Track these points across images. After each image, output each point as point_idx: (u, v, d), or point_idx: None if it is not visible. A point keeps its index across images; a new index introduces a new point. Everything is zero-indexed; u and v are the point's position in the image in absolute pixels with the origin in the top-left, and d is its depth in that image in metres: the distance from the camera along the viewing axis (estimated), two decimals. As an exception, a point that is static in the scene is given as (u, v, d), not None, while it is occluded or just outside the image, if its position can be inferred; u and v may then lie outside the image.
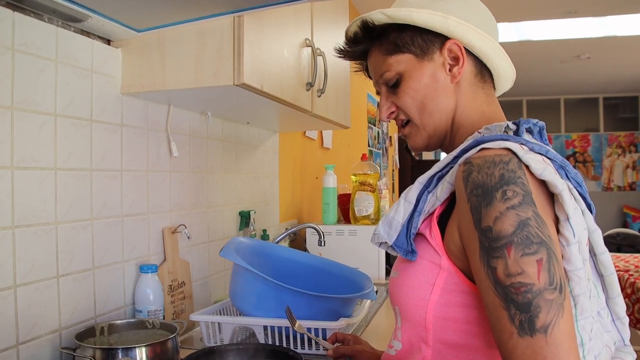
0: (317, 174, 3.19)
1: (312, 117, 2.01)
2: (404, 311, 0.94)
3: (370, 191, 2.60)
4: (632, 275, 3.37)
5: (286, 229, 2.47)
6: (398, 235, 0.93)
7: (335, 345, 1.32)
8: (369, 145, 4.59)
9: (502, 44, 1.04)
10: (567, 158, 9.27)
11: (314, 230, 2.41)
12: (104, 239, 1.44)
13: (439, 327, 0.88)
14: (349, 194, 2.71)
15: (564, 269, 0.80)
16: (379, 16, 1.01)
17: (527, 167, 0.81)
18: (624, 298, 3.30)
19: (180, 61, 1.43)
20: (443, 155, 0.97)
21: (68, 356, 1.25)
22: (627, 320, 0.94)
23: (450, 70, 1.01)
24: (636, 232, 4.78)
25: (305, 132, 3.00)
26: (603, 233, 4.88)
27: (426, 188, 0.93)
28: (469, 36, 0.99)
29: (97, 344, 1.29)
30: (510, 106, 9.34)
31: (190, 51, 1.42)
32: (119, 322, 1.37)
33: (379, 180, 2.70)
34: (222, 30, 1.39)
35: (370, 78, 1.14)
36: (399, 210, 0.95)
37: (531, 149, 0.86)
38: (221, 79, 1.39)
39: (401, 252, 0.93)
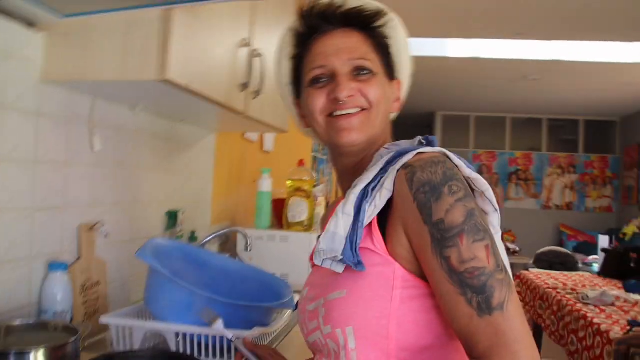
0: (255, 177, 3.14)
1: (247, 119, 1.97)
2: (360, 329, 0.90)
3: (305, 197, 2.57)
4: (559, 292, 3.44)
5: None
6: (344, 249, 0.92)
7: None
8: (313, 151, 4.57)
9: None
10: (510, 175, 9.48)
11: (244, 235, 2.37)
12: (9, 233, 1.36)
13: (403, 333, 0.88)
14: (284, 199, 2.68)
15: None
16: (391, 19, 1.07)
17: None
18: (551, 315, 3.38)
19: (106, 52, 1.37)
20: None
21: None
22: None
23: (396, 101, 1.10)
24: (567, 251, 4.91)
25: (244, 134, 2.96)
26: (539, 249, 5.00)
27: (362, 199, 0.94)
28: (405, 86, 1.13)
29: (-8, 345, 1.22)
30: (458, 121, 9.50)
31: (116, 42, 1.36)
32: (17, 323, 1.29)
33: (314, 187, 2.67)
34: (150, 22, 1.33)
35: (297, 47, 1.11)
36: (338, 224, 0.94)
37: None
38: (145, 74, 1.34)
39: (349, 264, 0.91)
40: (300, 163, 2.70)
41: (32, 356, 1.13)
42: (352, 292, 0.92)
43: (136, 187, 1.92)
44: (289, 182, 2.62)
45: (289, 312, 1.69)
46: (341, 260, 0.92)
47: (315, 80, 1.04)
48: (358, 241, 0.92)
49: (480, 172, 0.96)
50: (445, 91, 7.87)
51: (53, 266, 1.45)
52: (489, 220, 0.92)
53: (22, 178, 1.39)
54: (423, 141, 0.97)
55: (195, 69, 1.46)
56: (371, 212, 0.92)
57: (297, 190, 2.59)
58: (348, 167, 1.07)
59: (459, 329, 0.82)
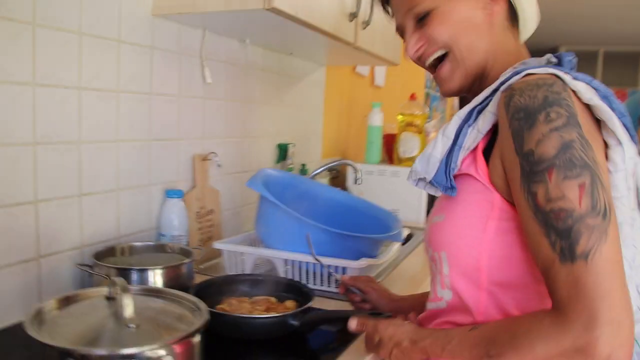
0: (366, 112, 3.12)
1: (357, 51, 1.93)
2: (453, 256, 0.90)
3: (417, 132, 2.52)
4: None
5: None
6: (437, 172, 0.90)
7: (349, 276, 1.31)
8: (426, 87, 4.45)
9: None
10: (642, 114, 8.75)
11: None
12: (130, 161, 1.44)
13: (495, 267, 0.85)
14: (396, 134, 2.64)
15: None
16: None
17: (574, 92, 0.79)
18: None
19: (212, -18, 1.38)
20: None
21: (85, 272, 1.27)
22: None
23: (486, 8, 0.95)
24: None
25: (355, 68, 2.92)
26: None
27: (465, 122, 0.89)
28: None
29: (117, 264, 1.31)
30: (584, 57, 8.77)
31: (222, -28, 1.36)
32: (139, 244, 1.38)
33: (426, 122, 2.61)
34: (256, -50, 1.32)
35: (388, 14, 1.08)
36: (436, 145, 0.91)
37: (575, 78, 0.82)
38: (252, 2, 1.33)
39: (440, 188, 0.90)
40: (412, 97, 2.63)
41: (151, 273, 1.21)
42: (449, 218, 0.90)
43: (247, 120, 1.96)
44: (400, 117, 2.57)
45: (397, 245, 1.69)
46: (432, 183, 0.91)
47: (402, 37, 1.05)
48: (453, 165, 0.88)
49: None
50: (571, 23, 7.32)
51: (170, 193, 1.53)
52: (610, 155, 0.81)
53: (138, 109, 1.46)
54: (553, 60, 0.89)
55: (302, -3, 1.44)
56: (474, 137, 0.87)
57: (409, 125, 2.54)
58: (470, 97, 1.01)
59: (542, 271, 0.75)
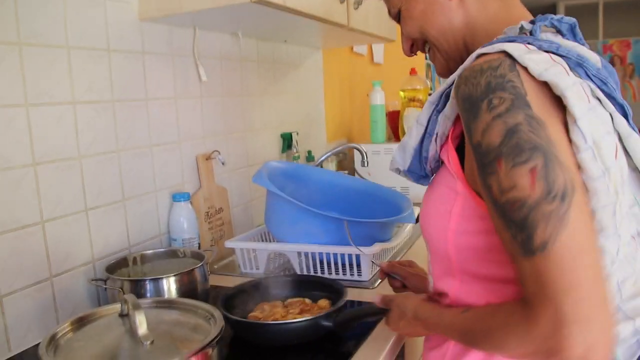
0: (368, 91, 3.09)
1: (351, 32, 1.90)
2: (429, 244, 0.90)
3: (420, 107, 2.49)
4: None
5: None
6: (412, 160, 0.89)
7: (387, 262, 1.30)
8: (427, 59, 4.40)
9: None
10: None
11: (361, 150, 2.34)
12: (133, 170, 1.43)
13: (463, 258, 0.83)
14: (399, 111, 2.61)
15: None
16: None
17: (526, 68, 0.72)
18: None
19: (196, -20, 1.35)
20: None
21: (100, 287, 1.27)
22: None
23: None
24: None
25: (353, 48, 2.88)
26: None
27: (436, 107, 0.86)
28: None
29: (131, 275, 1.31)
30: (584, 10, 8.61)
31: (204, -31, 1.34)
32: (150, 252, 1.38)
33: (429, 95, 2.57)
34: (235, -58, 1.30)
35: None
36: (412, 134, 0.90)
37: (539, 47, 0.76)
38: (238, -4, 1.31)
39: (413, 177, 0.90)
40: (412, 72, 2.60)
41: (164, 282, 1.21)
42: (425, 206, 0.90)
43: (247, 114, 1.94)
44: (401, 93, 2.54)
45: (409, 225, 1.67)
46: (406, 173, 0.91)
47: None
48: (425, 153, 0.87)
49: (612, 64, 0.78)
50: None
51: (176, 196, 1.52)
52: (571, 137, 0.70)
53: (136, 116, 1.44)
54: (527, 26, 0.82)
55: (289, -15, 1.41)
56: (444, 123, 0.84)
57: (412, 101, 2.51)
58: None
59: (512, 263, 0.69)
